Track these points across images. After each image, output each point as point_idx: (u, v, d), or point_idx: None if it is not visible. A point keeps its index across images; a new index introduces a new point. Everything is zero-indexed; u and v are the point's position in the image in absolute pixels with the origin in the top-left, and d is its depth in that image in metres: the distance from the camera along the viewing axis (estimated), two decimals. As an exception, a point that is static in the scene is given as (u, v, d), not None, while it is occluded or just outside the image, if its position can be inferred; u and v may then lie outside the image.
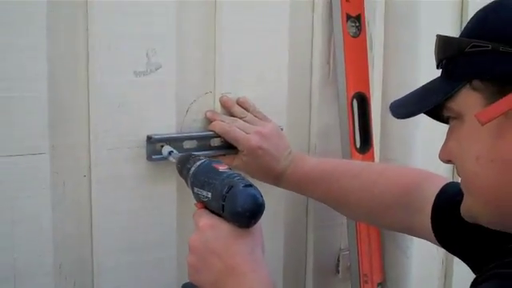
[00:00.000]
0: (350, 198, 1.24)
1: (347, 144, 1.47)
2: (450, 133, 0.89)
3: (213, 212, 0.98)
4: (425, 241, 1.16)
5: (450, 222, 1.05)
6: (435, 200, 1.10)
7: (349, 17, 1.44)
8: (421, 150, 1.55)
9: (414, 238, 1.42)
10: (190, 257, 0.97)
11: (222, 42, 1.28)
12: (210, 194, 0.97)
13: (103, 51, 1.13)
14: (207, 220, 0.97)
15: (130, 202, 1.20)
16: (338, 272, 1.56)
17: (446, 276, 1.69)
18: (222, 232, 0.95)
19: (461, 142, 0.85)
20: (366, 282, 1.51)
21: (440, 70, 0.90)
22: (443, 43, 0.88)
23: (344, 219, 1.49)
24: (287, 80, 1.38)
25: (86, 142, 1.16)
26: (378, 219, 1.26)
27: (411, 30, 1.53)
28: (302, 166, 1.27)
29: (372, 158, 1.50)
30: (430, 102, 0.87)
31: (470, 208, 0.88)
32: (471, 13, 0.87)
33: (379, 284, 1.55)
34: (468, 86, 0.82)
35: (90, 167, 1.17)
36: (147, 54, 1.17)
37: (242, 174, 1.00)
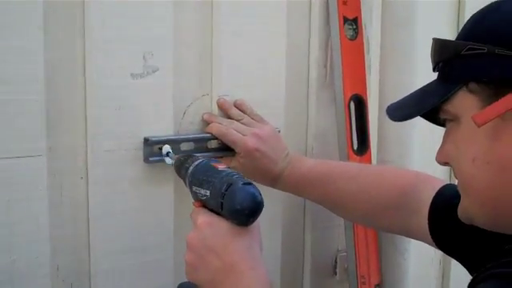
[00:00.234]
0: (346, 199, 1.24)
1: (344, 146, 1.47)
2: (446, 135, 0.89)
3: (211, 210, 0.98)
4: (422, 242, 1.16)
5: (446, 223, 1.05)
6: (432, 202, 1.10)
7: (346, 19, 1.44)
8: (418, 152, 1.55)
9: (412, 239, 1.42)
10: (187, 255, 0.97)
11: (219, 44, 1.28)
12: (208, 192, 0.97)
13: (100, 53, 1.13)
14: (205, 218, 0.97)
15: (128, 203, 1.20)
16: (335, 273, 1.56)
17: (444, 277, 1.70)
18: (220, 230, 0.95)
19: (457, 144, 0.86)
20: (363, 283, 1.51)
21: (436, 73, 0.90)
22: (439, 46, 0.88)
23: (342, 221, 1.50)
24: (284, 82, 1.39)
25: (83, 144, 1.16)
26: (374, 221, 1.26)
27: (408, 33, 1.53)
28: (300, 168, 1.27)
29: (369, 160, 1.51)
30: (426, 104, 0.88)
31: (467, 209, 0.88)
32: (468, 15, 0.88)
33: (377, 285, 1.55)
34: (464, 88, 0.83)
35: (87, 169, 1.17)
36: (144, 57, 1.17)
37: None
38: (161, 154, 1.19)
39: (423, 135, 1.50)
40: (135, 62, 1.17)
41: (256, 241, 0.96)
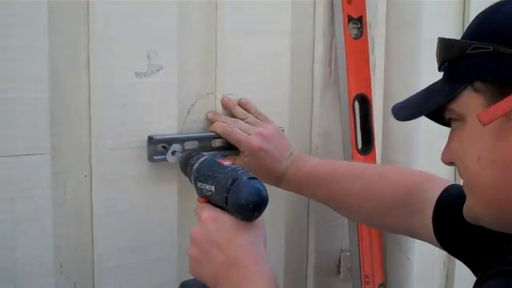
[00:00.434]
0: (350, 199, 1.24)
1: (349, 145, 1.47)
2: (451, 135, 0.89)
3: (216, 206, 0.98)
4: (426, 242, 1.16)
5: (451, 223, 1.05)
6: (437, 202, 1.10)
7: (350, 18, 1.44)
8: (422, 152, 1.55)
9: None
10: (191, 249, 0.97)
11: (224, 43, 1.28)
12: (213, 188, 0.97)
13: (104, 52, 1.14)
14: (210, 213, 0.97)
15: (131, 202, 1.21)
16: (339, 273, 1.56)
17: (448, 277, 1.69)
18: (224, 224, 0.95)
19: (463, 143, 0.85)
20: (367, 282, 1.51)
21: (441, 73, 0.90)
22: (445, 46, 0.88)
23: (345, 220, 1.49)
24: (289, 81, 1.38)
25: (87, 143, 1.16)
26: (378, 221, 1.25)
27: (413, 32, 1.53)
28: (303, 167, 1.27)
29: (374, 160, 1.50)
30: (431, 103, 0.88)
31: (472, 209, 0.88)
32: (473, 15, 0.87)
33: (380, 285, 1.54)
34: (470, 87, 0.83)
35: (91, 167, 1.17)
36: (148, 56, 1.17)
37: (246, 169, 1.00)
38: (165, 153, 1.19)
39: (428, 135, 1.49)
40: (139, 60, 1.17)
41: (260, 236, 0.96)
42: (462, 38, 0.87)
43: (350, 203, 1.25)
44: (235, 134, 1.25)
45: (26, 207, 1.09)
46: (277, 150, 1.26)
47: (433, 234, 1.10)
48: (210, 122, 1.28)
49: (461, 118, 0.85)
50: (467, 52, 0.82)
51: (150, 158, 1.20)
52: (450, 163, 0.90)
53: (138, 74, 1.17)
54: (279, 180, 1.28)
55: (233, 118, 1.28)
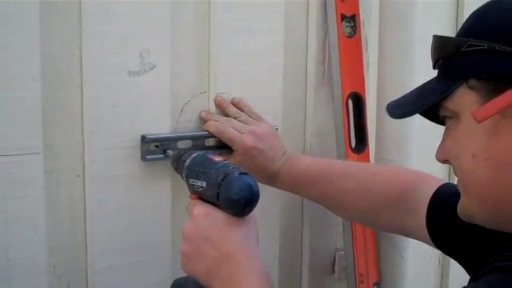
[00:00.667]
0: (344, 197, 1.24)
1: (342, 144, 1.46)
2: (446, 133, 0.89)
3: (207, 202, 0.98)
4: (420, 241, 1.16)
5: (445, 222, 1.05)
6: (430, 201, 1.10)
7: (344, 17, 1.44)
8: (416, 151, 1.55)
9: (410, 238, 1.42)
10: (183, 245, 0.97)
11: (217, 41, 1.27)
12: (204, 184, 0.98)
13: (97, 51, 1.13)
14: (202, 208, 0.97)
15: (124, 201, 1.20)
16: (333, 272, 1.56)
17: (443, 275, 1.69)
18: (216, 220, 0.95)
19: (457, 141, 0.85)
20: (361, 281, 1.51)
21: (436, 71, 0.90)
22: (439, 43, 0.89)
23: (340, 219, 1.49)
24: (282, 80, 1.38)
25: (79, 142, 1.16)
26: (372, 220, 1.25)
27: (406, 30, 1.52)
28: (297, 165, 1.27)
29: (367, 158, 1.50)
30: (426, 101, 0.88)
31: (467, 207, 0.88)
32: (466, 12, 0.88)
33: (375, 284, 1.54)
34: (464, 85, 0.83)
35: (83, 167, 1.16)
36: (141, 54, 1.17)
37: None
38: (158, 152, 1.19)
39: (421, 133, 1.49)
40: (132, 59, 1.17)
41: (252, 232, 0.96)
42: (457, 36, 0.87)
43: (343, 202, 1.25)
44: (228, 132, 1.24)
45: (19, 207, 1.09)
46: (270, 148, 1.26)
47: (427, 232, 1.10)
48: (203, 121, 1.27)
49: (455, 116, 0.85)
50: (462, 50, 0.82)
51: (143, 158, 1.19)
52: (445, 161, 0.90)
53: (130, 73, 1.17)
54: (273, 179, 1.28)
55: (226, 117, 1.28)
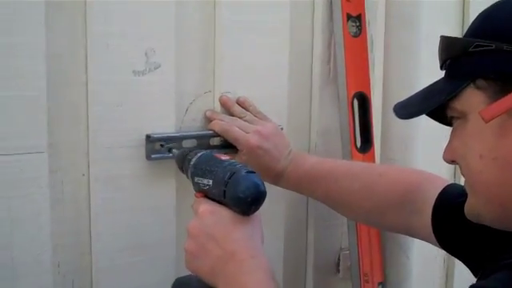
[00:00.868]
0: (349, 198, 1.24)
1: (348, 144, 1.46)
2: (453, 133, 0.89)
3: (213, 200, 0.98)
4: (425, 241, 1.15)
5: (450, 223, 1.05)
6: (436, 201, 1.10)
7: (349, 16, 1.44)
8: (422, 151, 1.55)
9: (415, 238, 1.42)
10: (188, 243, 0.97)
11: (222, 41, 1.27)
12: (211, 182, 0.97)
13: (102, 50, 1.13)
14: (207, 206, 0.97)
15: (129, 201, 1.20)
16: (338, 271, 1.56)
17: (448, 276, 1.69)
18: (221, 218, 0.95)
19: (465, 141, 0.86)
20: (366, 281, 1.51)
21: (443, 72, 0.90)
22: (447, 44, 0.89)
23: (345, 218, 1.49)
24: (287, 80, 1.38)
25: (84, 141, 1.16)
26: (377, 220, 1.25)
27: (412, 30, 1.52)
28: (303, 165, 1.27)
29: (372, 158, 1.50)
30: (433, 102, 0.88)
31: (474, 207, 0.88)
32: (473, 12, 0.88)
33: (380, 283, 1.54)
34: (472, 85, 0.83)
35: (88, 166, 1.17)
36: (146, 54, 1.17)
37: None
38: (163, 152, 1.19)
39: (427, 134, 1.49)
40: (137, 58, 1.17)
41: (257, 231, 0.96)
42: (464, 36, 0.87)
43: (348, 202, 1.25)
44: (233, 132, 1.24)
45: (24, 206, 1.09)
46: (275, 148, 1.26)
47: (432, 233, 1.10)
48: (208, 120, 1.27)
49: (462, 116, 0.85)
50: (469, 50, 0.83)
51: (148, 157, 1.19)
52: (452, 161, 0.90)
53: (135, 72, 1.17)
54: (278, 178, 1.27)
55: (231, 117, 1.28)
